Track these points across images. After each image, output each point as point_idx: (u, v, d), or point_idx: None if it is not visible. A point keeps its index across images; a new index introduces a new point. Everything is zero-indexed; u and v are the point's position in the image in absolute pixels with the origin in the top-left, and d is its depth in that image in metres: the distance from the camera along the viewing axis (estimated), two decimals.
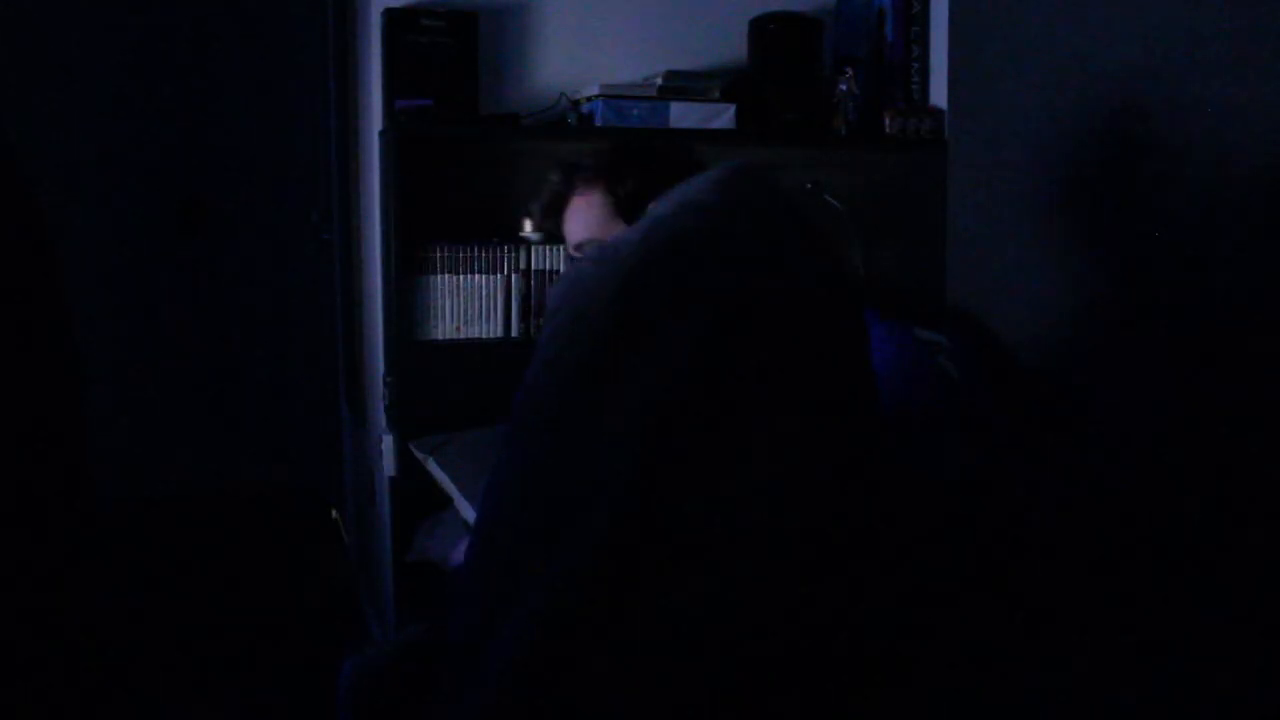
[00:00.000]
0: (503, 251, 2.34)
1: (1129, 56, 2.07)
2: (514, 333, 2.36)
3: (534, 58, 2.49)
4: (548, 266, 2.36)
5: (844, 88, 2.53)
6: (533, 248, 2.35)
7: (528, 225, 2.36)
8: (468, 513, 1.99)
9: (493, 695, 1.05)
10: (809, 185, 2.55)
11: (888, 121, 2.56)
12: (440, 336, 2.32)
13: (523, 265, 2.35)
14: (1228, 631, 1.35)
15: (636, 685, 1.04)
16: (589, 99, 2.39)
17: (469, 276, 2.32)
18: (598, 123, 2.36)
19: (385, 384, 2.38)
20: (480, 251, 2.32)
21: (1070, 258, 2.25)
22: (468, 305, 2.33)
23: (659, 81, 2.40)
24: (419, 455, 2.21)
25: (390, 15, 2.30)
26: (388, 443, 2.34)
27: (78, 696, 1.41)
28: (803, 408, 1.15)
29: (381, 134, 2.37)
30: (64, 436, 1.38)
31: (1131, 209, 2.10)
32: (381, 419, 2.45)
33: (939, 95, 2.61)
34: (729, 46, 2.56)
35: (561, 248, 2.36)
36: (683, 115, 2.40)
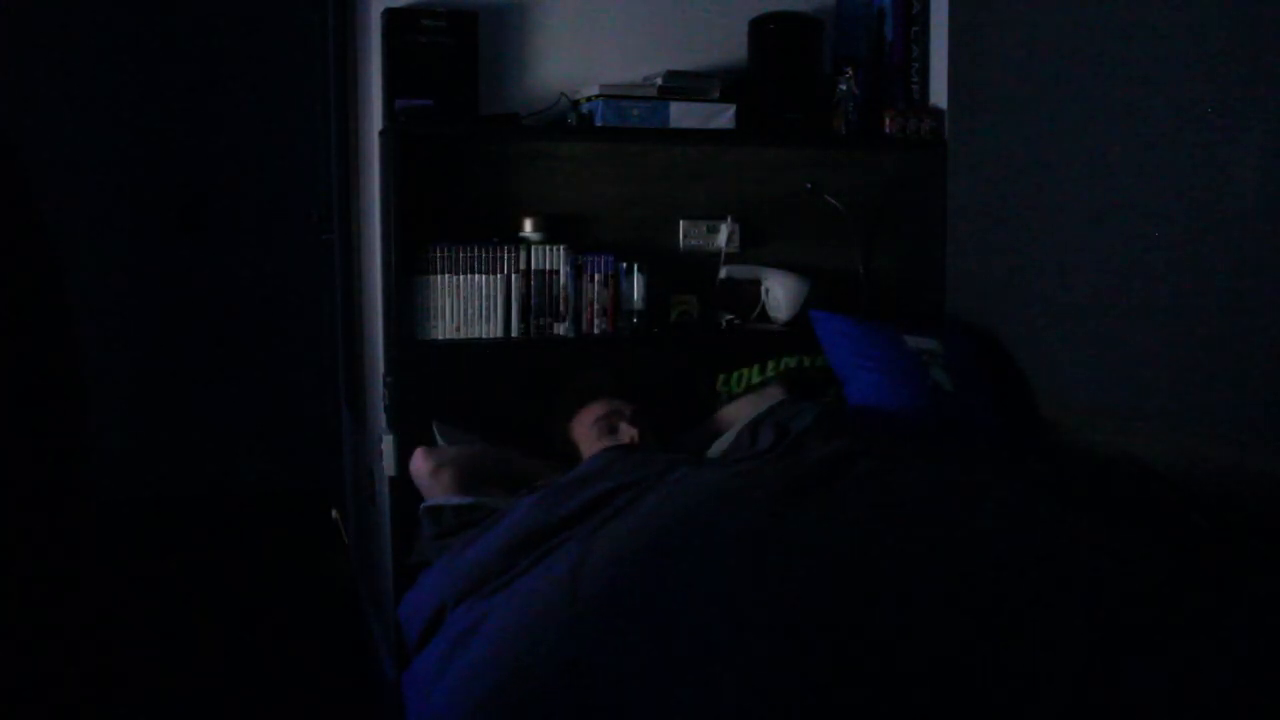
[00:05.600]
0: (503, 251, 2.33)
1: (1128, 56, 2.07)
2: (514, 333, 2.36)
3: (534, 58, 2.49)
4: (547, 266, 2.36)
5: (844, 88, 2.53)
6: (533, 247, 2.35)
7: (528, 225, 2.36)
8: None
9: None
10: (809, 185, 2.55)
11: (888, 121, 2.56)
12: (440, 336, 2.32)
13: (523, 265, 2.35)
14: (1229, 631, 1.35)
15: None
16: (589, 99, 2.39)
17: (469, 276, 2.32)
18: (598, 122, 2.36)
19: (385, 384, 2.38)
20: (480, 251, 2.32)
21: (1070, 257, 2.25)
22: (468, 305, 2.32)
23: (659, 81, 2.40)
24: (436, 430, 2.27)
25: (390, 15, 2.30)
26: (388, 443, 2.33)
27: (77, 696, 1.41)
28: None
29: (381, 134, 2.37)
30: (64, 436, 1.38)
31: (1130, 209, 2.10)
32: (381, 419, 2.44)
33: (939, 95, 2.61)
34: (729, 46, 2.55)
35: (561, 248, 2.36)
36: (683, 115, 2.40)
